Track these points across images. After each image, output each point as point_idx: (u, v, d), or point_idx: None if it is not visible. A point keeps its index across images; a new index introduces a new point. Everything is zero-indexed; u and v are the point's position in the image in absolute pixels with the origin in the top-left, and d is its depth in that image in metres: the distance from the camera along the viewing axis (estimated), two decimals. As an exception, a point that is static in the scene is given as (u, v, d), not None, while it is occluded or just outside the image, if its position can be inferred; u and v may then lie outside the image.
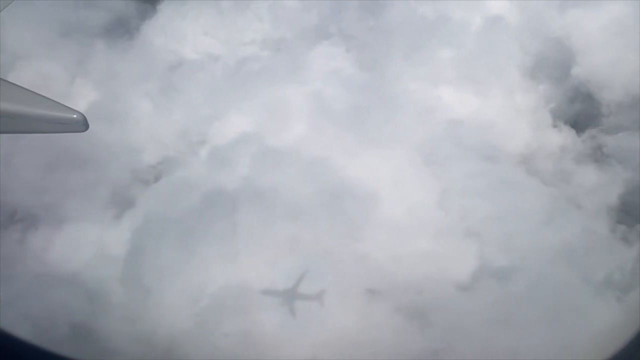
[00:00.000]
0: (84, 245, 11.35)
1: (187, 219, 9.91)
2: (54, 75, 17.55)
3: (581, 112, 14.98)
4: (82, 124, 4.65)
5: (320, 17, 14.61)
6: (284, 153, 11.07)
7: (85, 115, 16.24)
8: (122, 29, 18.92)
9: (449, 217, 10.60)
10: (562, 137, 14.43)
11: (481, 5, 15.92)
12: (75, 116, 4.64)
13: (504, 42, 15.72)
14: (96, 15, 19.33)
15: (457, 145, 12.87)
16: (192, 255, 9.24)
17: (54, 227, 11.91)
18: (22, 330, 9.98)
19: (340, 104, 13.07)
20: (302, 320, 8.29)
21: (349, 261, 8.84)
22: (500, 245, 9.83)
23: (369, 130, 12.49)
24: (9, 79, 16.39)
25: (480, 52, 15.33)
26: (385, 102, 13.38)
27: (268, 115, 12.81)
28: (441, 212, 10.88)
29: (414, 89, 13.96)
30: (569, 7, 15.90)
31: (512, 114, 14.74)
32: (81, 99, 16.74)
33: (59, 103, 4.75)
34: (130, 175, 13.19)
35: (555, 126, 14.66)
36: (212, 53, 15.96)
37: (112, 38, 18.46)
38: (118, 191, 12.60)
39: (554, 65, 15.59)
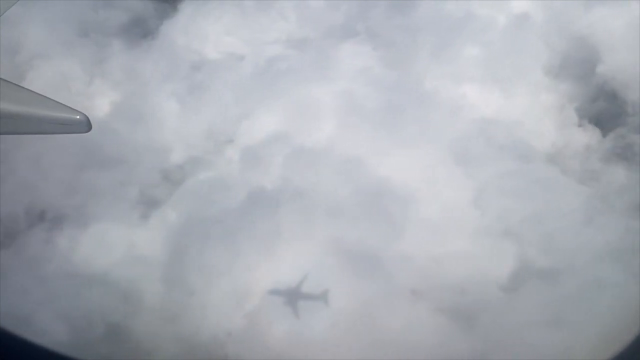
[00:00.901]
0: (116, 245, 11.31)
1: (226, 219, 9.82)
2: (73, 75, 17.58)
3: (605, 110, 14.84)
4: (85, 125, 4.62)
5: (347, 15, 14.53)
6: (317, 152, 10.98)
7: (110, 115, 16.20)
8: (143, 29, 18.93)
9: (486, 217, 10.47)
10: (587, 136, 14.30)
11: (507, 3, 15.81)
12: (78, 117, 4.61)
13: (529, 40, 15.60)
14: (115, 15, 19.35)
15: (487, 144, 12.76)
16: (235, 255, 9.16)
17: (85, 227, 11.86)
18: (58, 330, 10.01)
19: (368, 103, 12.98)
20: (349, 321, 8.16)
21: (393, 261, 8.72)
22: (541, 245, 9.70)
23: (399, 129, 12.38)
24: (28, 79, 16.41)
25: (505, 50, 15.21)
26: (413, 101, 13.28)
27: (297, 114, 12.73)
28: (477, 212, 10.76)
29: (440, 87, 13.86)
30: (594, 5, 15.77)
31: (538, 112, 14.62)
32: (103, 99, 16.79)
33: (61, 104, 4.73)
34: (159, 175, 13.14)
35: (580, 125, 14.53)
36: (235, 53, 15.86)
37: (132, 38, 18.43)
38: (149, 191, 12.56)
39: (578, 64, 15.45)
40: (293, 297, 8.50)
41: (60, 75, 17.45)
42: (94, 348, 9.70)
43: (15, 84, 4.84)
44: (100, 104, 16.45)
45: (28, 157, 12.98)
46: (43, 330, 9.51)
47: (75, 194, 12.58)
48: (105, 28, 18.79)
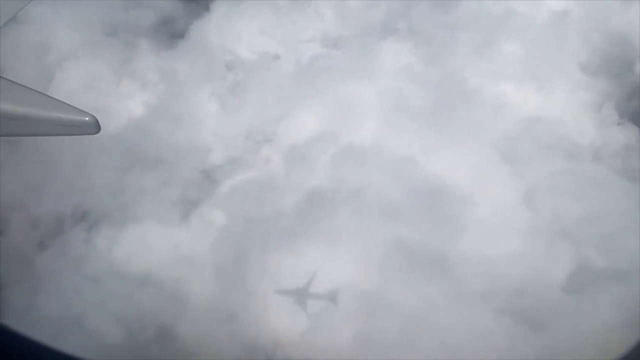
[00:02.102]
0: (165, 246, 11.29)
1: (280, 219, 9.72)
2: (103, 76, 17.62)
3: (644, 109, 14.58)
4: (93, 127, 4.57)
5: (388, 13, 14.37)
6: (366, 152, 10.85)
7: (148, 115, 16.16)
8: (175, 29, 18.94)
9: (540, 218, 10.27)
10: (626, 135, 14.06)
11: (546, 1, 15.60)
12: (87, 118, 4.56)
13: (567, 37, 15.38)
14: (146, 15, 19.40)
15: (534, 142, 12.58)
16: (293, 256, 9.06)
17: (132, 227, 11.86)
18: (112, 331, 9.98)
19: (412, 100, 12.83)
20: (414, 323, 8.02)
21: (451, 263, 8.57)
22: (600, 246, 9.49)
23: (444, 127, 12.23)
24: (56, 79, 16.40)
25: (544, 48, 15.01)
26: (456, 98, 13.13)
27: (341, 113, 12.62)
28: (530, 212, 10.57)
29: (481, 84, 13.69)
30: (633, 3, 15.53)
31: (578, 111, 14.40)
32: (136, 99, 16.83)
33: (70, 105, 4.65)
34: (202, 175, 13.11)
35: (619, 124, 14.29)
36: (271, 52, 15.78)
37: (164, 38, 18.48)
38: (193, 191, 12.53)
39: (616, 62, 15.21)
40: (357, 298, 8.36)
41: (90, 76, 17.53)
42: (147, 350, 9.67)
43: (23, 86, 4.83)
44: (132, 104, 16.53)
45: (70, 159, 13.03)
46: (97, 331, 9.49)
47: (118, 194, 12.59)
48: (136, 28, 18.87)
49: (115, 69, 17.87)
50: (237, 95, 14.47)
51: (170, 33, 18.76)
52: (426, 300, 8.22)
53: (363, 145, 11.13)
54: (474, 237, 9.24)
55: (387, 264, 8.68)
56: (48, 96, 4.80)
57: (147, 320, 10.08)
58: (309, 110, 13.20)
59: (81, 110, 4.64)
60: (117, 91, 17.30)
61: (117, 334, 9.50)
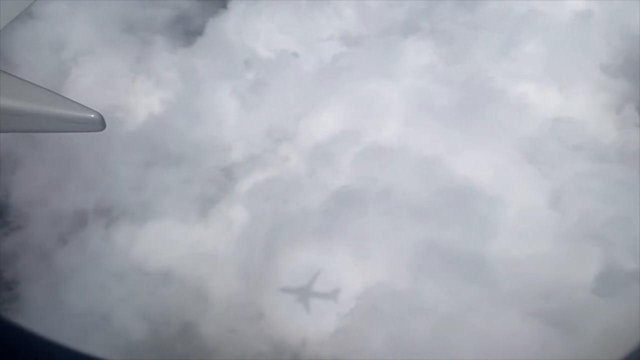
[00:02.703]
0: (187, 243, 11.28)
1: (307, 218, 9.67)
2: (119, 72, 17.65)
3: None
4: (99, 124, 4.53)
5: (409, 12, 14.28)
6: (390, 151, 10.78)
7: (167, 112, 16.11)
8: (192, 27, 18.94)
9: (567, 220, 10.16)
10: (647, 137, 13.88)
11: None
12: (92, 115, 4.53)
13: (589, 37, 15.24)
14: (163, 12, 19.43)
15: (558, 143, 12.45)
16: (323, 255, 9.01)
17: (155, 224, 11.86)
18: (138, 328, 9.97)
19: (434, 100, 12.75)
20: (447, 325, 7.94)
21: (484, 264, 8.48)
22: (629, 248, 9.37)
23: (468, 127, 12.14)
24: (72, 75, 16.37)
25: (567, 48, 14.88)
26: (478, 98, 13.02)
27: (363, 112, 12.55)
28: (557, 213, 10.45)
29: (504, 84, 13.58)
30: (656, 3, 15.31)
31: (599, 112, 14.27)
32: (156, 96, 16.83)
33: (75, 102, 4.65)
34: (221, 173, 13.10)
35: (640, 125, 14.14)
36: (290, 50, 15.76)
37: (182, 36, 18.49)
38: (215, 188, 12.52)
39: (638, 63, 15.04)
40: (389, 299, 8.29)
41: (106, 72, 17.58)
42: (172, 347, 9.65)
43: (29, 82, 4.86)
44: (151, 101, 16.53)
45: (92, 155, 13.05)
46: (123, 327, 9.49)
47: (140, 191, 12.59)
48: (153, 25, 18.89)
49: (133, 65, 17.91)
50: (257, 93, 14.42)
51: (188, 30, 18.82)
52: (457, 301, 8.13)
53: (387, 144, 11.06)
54: (503, 238, 9.13)
55: (419, 265, 8.58)
56: (53, 92, 4.83)
57: (172, 317, 10.07)
58: (330, 108, 13.14)
59: (86, 107, 4.65)
60: (135, 88, 17.33)
61: (142, 331, 9.49)
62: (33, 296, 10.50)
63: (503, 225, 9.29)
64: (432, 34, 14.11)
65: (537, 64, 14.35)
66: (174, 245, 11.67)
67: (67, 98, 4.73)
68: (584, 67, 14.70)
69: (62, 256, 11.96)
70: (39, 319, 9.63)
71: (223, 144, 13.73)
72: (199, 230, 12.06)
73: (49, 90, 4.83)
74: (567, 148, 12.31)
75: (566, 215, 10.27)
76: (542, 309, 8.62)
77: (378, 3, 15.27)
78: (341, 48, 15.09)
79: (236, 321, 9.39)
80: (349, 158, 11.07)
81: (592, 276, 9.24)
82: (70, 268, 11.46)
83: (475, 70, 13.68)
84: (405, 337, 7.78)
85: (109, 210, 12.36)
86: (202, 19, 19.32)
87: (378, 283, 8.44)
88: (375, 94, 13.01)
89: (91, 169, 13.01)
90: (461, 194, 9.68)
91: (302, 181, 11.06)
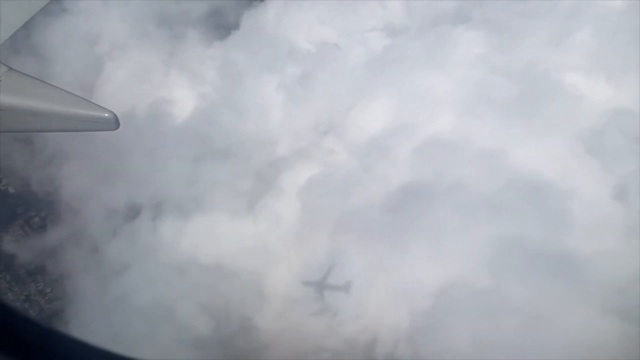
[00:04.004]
0: (247, 238, 11.19)
1: (374, 212, 9.49)
2: (153, 67, 17.60)
3: None
4: (113, 122, 4.64)
5: (460, 2, 13.92)
6: (451, 144, 10.52)
7: (213, 106, 15.88)
8: (227, 20, 18.79)
9: (634, 214, 9.82)
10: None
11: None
12: (107, 115, 4.64)
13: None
14: (197, 6, 19.30)
15: (619, 134, 12.06)
16: (396, 250, 8.83)
17: (206, 218, 11.79)
18: (201, 323, 9.94)
19: (490, 91, 12.42)
20: (534, 324, 7.71)
21: (564, 261, 8.22)
22: None
23: (527, 119, 11.81)
24: (106, 69, 16.23)
25: (620, 39, 14.39)
26: (534, 89, 12.66)
27: (417, 104, 12.29)
28: (622, 207, 10.13)
29: (559, 75, 13.20)
30: None
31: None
32: (197, 90, 16.75)
33: (90, 102, 4.75)
34: (271, 168, 12.97)
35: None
36: (334, 42, 15.53)
37: (217, 29, 18.37)
38: (266, 182, 12.41)
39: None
40: (470, 297, 8.08)
41: (141, 66, 17.54)
42: (235, 342, 9.60)
43: (45, 82, 4.87)
44: (194, 95, 16.46)
45: (144, 151, 13.02)
46: (187, 323, 9.45)
47: (191, 185, 12.54)
48: (187, 19, 18.80)
49: (167, 59, 17.86)
50: (304, 86, 14.19)
51: (222, 24, 18.68)
52: (541, 299, 7.87)
53: (447, 137, 10.80)
54: (576, 233, 8.85)
55: (498, 261, 8.35)
56: (68, 92, 4.86)
57: (232, 311, 10.02)
58: (380, 101, 12.88)
59: (101, 106, 4.70)
60: (173, 82, 17.32)
61: (206, 325, 9.44)
62: (97, 291, 10.54)
63: (575, 219, 8.99)
64: (483, 24, 13.74)
65: (590, 54, 13.92)
66: (227, 239, 11.61)
67: (81, 97, 4.75)
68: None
69: (118, 250, 11.99)
70: (106, 313, 9.66)
71: (270, 138, 13.57)
72: (253, 225, 11.98)
73: (63, 90, 4.85)
74: (628, 140, 11.92)
75: (631, 209, 9.93)
76: (618, 305, 8.36)
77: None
78: (387, 39, 14.78)
79: (299, 317, 9.29)
80: (406, 151, 10.84)
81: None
82: (130, 262, 11.49)
83: (529, 61, 13.31)
84: (492, 337, 7.54)
85: (161, 204, 12.34)
86: (236, 12, 19.18)
87: (456, 280, 8.21)
88: (428, 85, 12.72)
89: (142, 163, 13.01)
90: (531, 188, 9.40)
91: (358, 176, 10.86)
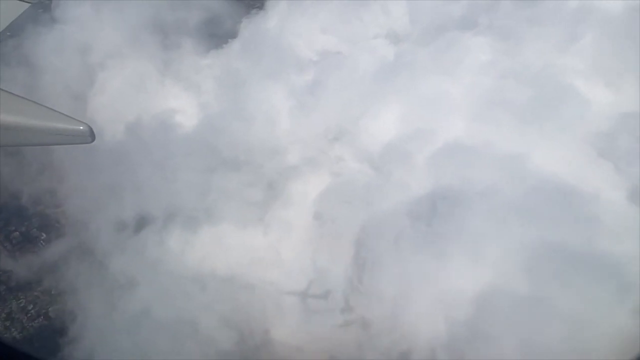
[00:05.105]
0: (260, 249, 10.97)
1: (401, 221, 9.35)
2: (147, 76, 17.34)
3: None
4: (88, 135, 4.53)
5: (467, 8, 14.03)
6: (470, 149, 10.50)
7: (215, 116, 15.59)
8: (224, 29, 18.65)
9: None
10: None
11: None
12: (81, 127, 4.55)
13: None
14: (192, 15, 19.13)
15: (630, 138, 12.18)
16: (428, 258, 8.69)
17: (221, 229, 11.54)
18: (224, 337, 9.64)
19: (500, 96, 12.49)
20: (581, 330, 7.60)
21: (601, 265, 8.19)
22: None
23: (538, 123, 11.89)
24: (99, 79, 15.88)
25: (625, 42, 14.60)
26: (544, 93, 12.77)
27: (428, 111, 12.29)
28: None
29: (565, 78, 13.34)
30: None
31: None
32: (196, 99, 16.51)
33: (64, 114, 4.64)
34: (281, 177, 12.78)
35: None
36: (340, 50, 15.49)
37: (214, 38, 18.21)
38: (274, 193, 12.22)
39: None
40: (510, 303, 7.97)
41: (135, 75, 17.26)
42: (260, 355, 9.34)
43: (18, 96, 4.75)
44: (194, 105, 16.22)
45: (153, 162, 12.71)
46: (211, 337, 9.17)
47: (203, 195, 12.27)
48: (183, 28, 18.61)
49: (162, 68, 17.64)
50: (312, 94, 14.09)
51: (218, 32, 18.51)
52: (585, 304, 7.77)
53: (464, 142, 10.79)
54: (605, 237, 8.84)
55: (537, 267, 8.27)
56: (43, 106, 4.79)
57: (254, 324, 9.76)
58: (390, 108, 12.86)
59: (76, 119, 4.56)
60: (170, 92, 17.07)
61: (230, 340, 9.17)
62: (119, 305, 10.17)
63: (603, 223, 8.99)
64: (489, 30, 13.85)
65: (595, 58, 14.10)
66: (240, 250, 11.39)
67: (56, 111, 4.63)
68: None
69: (125, 264, 11.63)
70: (131, 328, 9.31)
71: (280, 146, 13.41)
72: (264, 235, 11.79)
73: (38, 103, 4.72)
74: (638, 142, 12.05)
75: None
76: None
77: (430, 1, 15.01)
78: (393, 46, 14.85)
79: (325, 329, 9.07)
80: (425, 157, 10.79)
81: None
82: (138, 276, 11.15)
83: (537, 66, 13.44)
84: (541, 345, 7.41)
85: (173, 216, 12.03)
86: (233, 21, 19.05)
87: (495, 287, 8.10)
88: (438, 92, 12.74)
89: (149, 174, 12.70)
90: (557, 192, 9.40)
91: (378, 183, 10.75)
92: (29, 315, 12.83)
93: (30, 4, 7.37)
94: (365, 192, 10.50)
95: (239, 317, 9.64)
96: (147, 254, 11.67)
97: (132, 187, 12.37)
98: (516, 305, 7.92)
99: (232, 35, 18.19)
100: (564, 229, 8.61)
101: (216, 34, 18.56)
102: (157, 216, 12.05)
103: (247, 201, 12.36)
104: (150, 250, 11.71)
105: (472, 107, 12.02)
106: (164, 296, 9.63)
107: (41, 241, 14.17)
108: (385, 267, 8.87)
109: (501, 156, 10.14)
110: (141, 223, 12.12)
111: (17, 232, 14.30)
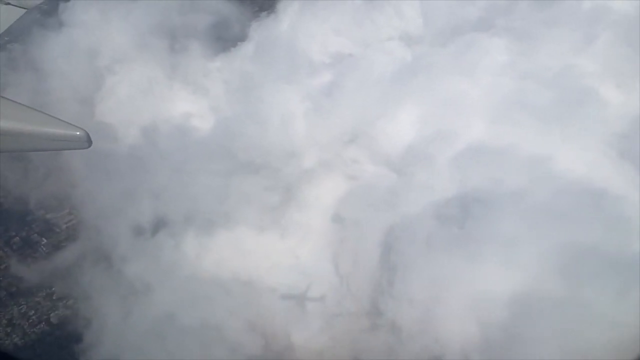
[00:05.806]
0: (279, 253, 10.83)
1: (420, 224, 9.22)
2: (155, 80, 17.25)
3: None
4: (85, 141, 4.50)
5: (485, 9, 13.95)
6: (494, 151, 10.38)
7: (229, 119, 15.34)
8: (233, 32, 18.58)
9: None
10: None
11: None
12: (78, 133, 4.50)
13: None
14: (201, 19, 19.08)
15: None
16: (460, 261, 8.56)
17: (232, 233, 11.37)
18: (251, 342, 9.45)
19: (519, 97, 12.40)
20: (617, 330, 7.47)
21: (628, 264, 8.06)
22: None
23: (559, 125, 11.78)
24: (107, 83, 15.66)
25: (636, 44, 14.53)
26: (563, 94, 12.67)
27: (448, 112, 12.17)
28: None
29: (582, 80, 13.27)
30: None
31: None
32: (206, 103, 16.40)
33: (62, 120, 4.58)
34: (299, 180, 12.64)
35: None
36: (354, 53, 15.41)
37: (223, 41, 18.13)
38: (292, 196, 12.05)
39: None
40: (546, 305, 7.82)
41: (143, 79, 17.17)
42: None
43: (16, 102, 4.68)
44: (198, 108, 16.10)
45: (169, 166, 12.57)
46: (238, 342, 9.01)
47: (222, 200, 12.11)
48: (193, 32, 18.54)
49: (170, 72, 17.55)
50: (329, 96, 13.92)
51: (226, 36, 18.41)
52: (626, 306, 7.61)
53: (488, 144, 10.66)
54: (634, 237, 8.73)
55: (572, 269, 8.13)
56: (40, 112, 4.73)
57: (278, 328, 9.62)
58: (410, 109, 12.72)
59: (73, 125, 4.49)
60: (178, 95, 16.96)
61: (256, 345, 9.02)
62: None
63: (633, 224, 8.87)
64: (505, 32, 13.77)
65: (609, 60, 14.04)
66: (259, 254, 11.25)
67: (52, 116, 4.56)
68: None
69: (142, 268, 11.48)
70: (156, 334, 9.16)
71: (296, 150, 13.25)
72: (282, 239, 11.65)
73: (35, 109, 4.65)
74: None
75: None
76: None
77: (444, 2, 14.95)
78: (410, 48, 14.74)
79: (352, 333, 8.93)
80: (447, 159, 10.66)
81: None
82: (154, 280, 11.00)
83: (553, 67, 13.37)
84: (581, 347, 7.25)
85: (191, 219, 11.87)
86: (241, 25, 18.98)
87: (530, 290, 7.96)
88: (457, 93, 12.64)
89: (165, 178, 12.56)
90: (585, 193, 9.29)
91: (400, 186, 10.61)
92: (30, 321, 12.74)
93: (25, 10, 7.33)
94: (388, 195, 10.35)
95: (263, 322, 9.46)
96: (164, 258, 11.51)
97: (148, 192, 12.18)
98: (551, 308, 7.78)
99: (241, 38, 18.11)
100: (596, 231, 8.50)
101: (224, 37, 18.48)
102: (175, 220, 11.86)
103: (264, 205, 12.21)
104: (167, 254, 11.55)
105: (491, 109, 11.92)
106: (184, 301, 9.46)
107: (42, 246, 14.15)
108: (416, 271, 8.72)
109: (526, 158, 10.03)
110: (158, 226, 11.94)
111: (18, 237, 14.25)
